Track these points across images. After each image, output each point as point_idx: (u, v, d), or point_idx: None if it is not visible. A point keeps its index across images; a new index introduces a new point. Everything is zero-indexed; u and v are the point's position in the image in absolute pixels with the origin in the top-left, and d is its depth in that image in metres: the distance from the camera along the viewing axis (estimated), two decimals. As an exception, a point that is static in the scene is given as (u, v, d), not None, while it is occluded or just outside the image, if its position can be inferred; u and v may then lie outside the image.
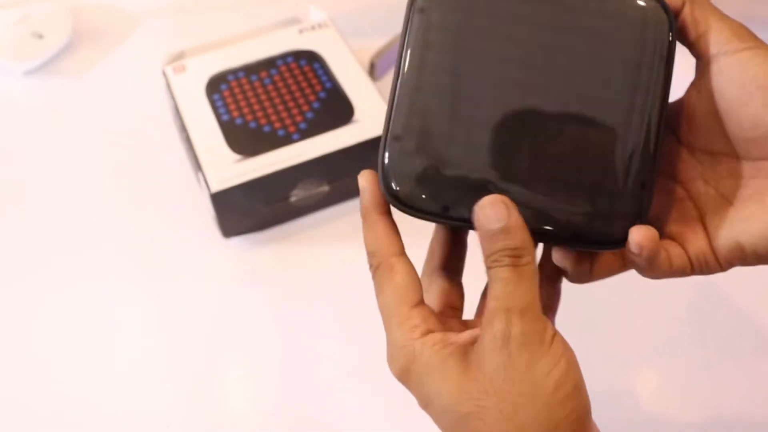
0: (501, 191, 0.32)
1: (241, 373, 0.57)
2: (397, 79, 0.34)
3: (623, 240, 0.33)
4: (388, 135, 0.34)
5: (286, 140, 0.62)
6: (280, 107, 0.65)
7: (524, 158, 0.33)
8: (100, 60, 0.80)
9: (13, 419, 0.54)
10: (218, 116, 0.64)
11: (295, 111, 0.64)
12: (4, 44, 0.78)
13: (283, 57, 0.69)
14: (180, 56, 0.70)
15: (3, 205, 0.68)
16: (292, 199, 0.63)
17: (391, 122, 0.34)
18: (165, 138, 0.70)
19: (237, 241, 0.64)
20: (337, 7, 0.77)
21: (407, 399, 0.53)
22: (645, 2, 0.33)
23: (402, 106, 0.34)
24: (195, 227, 0.64)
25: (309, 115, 0.64)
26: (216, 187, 0.60)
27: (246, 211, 0.62)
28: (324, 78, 0.67)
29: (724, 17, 0.33)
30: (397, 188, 0.33)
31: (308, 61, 0.68)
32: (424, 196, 0.33)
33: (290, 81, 0.67)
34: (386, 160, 0.33)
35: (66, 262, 0.63)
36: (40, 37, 0.79)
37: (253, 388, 0.56)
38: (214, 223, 0.63)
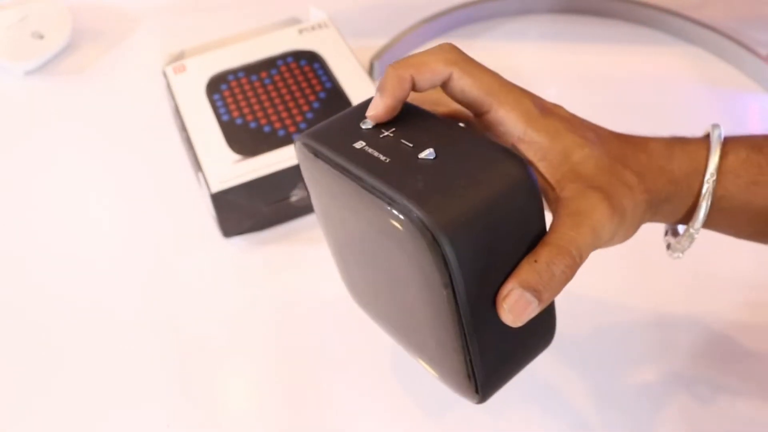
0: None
1: (241, 373, 0.57)
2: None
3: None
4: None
5: (286, 140, 0.62)
6: (280, 107, 0.65)
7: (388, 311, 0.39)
8: (100, 60, 0.80)
9: (13, 423, 0.54)
10: (218, 116, 0.64)
11: (295, 111, 0.65)
12: (5, 44, 0.79)
13: (283, 57, 0.69)
14: (180, 56, 0.70)
15: (3, 203, 0.68)
16: (292, 199, 0.63)
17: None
18: (165, 138, 0.70)
19: (237, 241, 0.64)
20: (337, 7, 0.77)
21: (407, 399, 0.54)
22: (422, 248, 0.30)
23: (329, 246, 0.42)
24: (195, 227, 0.64)
25: (309, 115, 0.64)
26: (216, 187, 0.60)
27: (246, 211, 0.62)
28: (324, 78, 0.67)
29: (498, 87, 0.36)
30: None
31: (308, 61, 0.68)
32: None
33: (290, 81, 0.67)
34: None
35: (65, 262, 0.63)
36: (41, 37, 0.79)
37: (253, 388, 0.56)
38: (214, 223, 0.63)
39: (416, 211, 0.29)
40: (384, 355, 0.56)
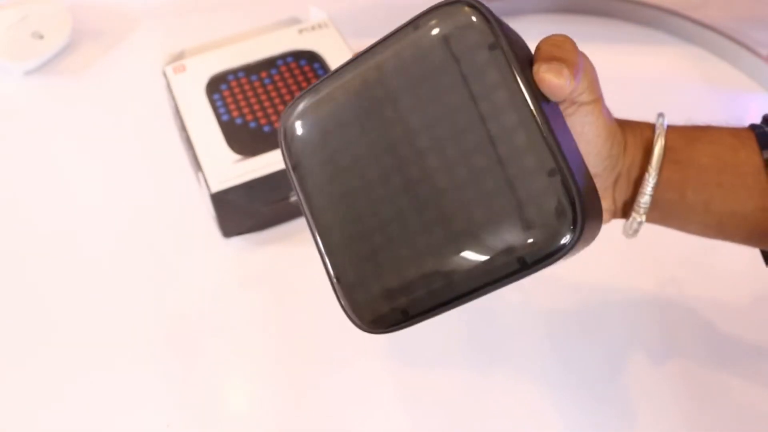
0: (432, 274, 0.32)
1: (241, 373, 0.57)
2: (312, 229, 0.36)
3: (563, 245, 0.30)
4: (332, 281, 0.35)
5: (286, 140, 0.62)
6: (281, 107, 0.65)
7: (429, 231, 0.32)
8: (100, 60, 0.80)
9: (13, 421, 0.54)
10: (218, 116, 0.64)
11: (295, 111, 0.64)
12: (4, 44, 0.79)
13: (283, 57, 0.69)
14: (180, 56, 0.70)
15: (2, 204, 0.68)
16: (292, 199, 0.63)
17: (327, 268, 0.35)
18: (165, 138, 0.70)
19: (237, 241, 0.64)
20: (337, 7, 0.77)
21: (409, 401, 0.54)
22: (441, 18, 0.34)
23: (326, 250, 0.35)
24: (195, 227, 0.64)
25: (309, 115, 0.64)
26: (216, 187, 0.60)
27: (246, 211, 0.62)
28: (324, 78, 0.67)
29: None
30: (370, 319, 0.34)
31: (308, 61, 0.68)
32: (387, 313, 0.34)
33: (290, 81, 0.67)
34: (343, 302, 0.35)
35: (64, 263, 0.63)
36: (40, 37, 0.79)
37: (252, 389, 0.56)
38: (214, 223, 0.63)
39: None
40: (385, 356, 0.56)
